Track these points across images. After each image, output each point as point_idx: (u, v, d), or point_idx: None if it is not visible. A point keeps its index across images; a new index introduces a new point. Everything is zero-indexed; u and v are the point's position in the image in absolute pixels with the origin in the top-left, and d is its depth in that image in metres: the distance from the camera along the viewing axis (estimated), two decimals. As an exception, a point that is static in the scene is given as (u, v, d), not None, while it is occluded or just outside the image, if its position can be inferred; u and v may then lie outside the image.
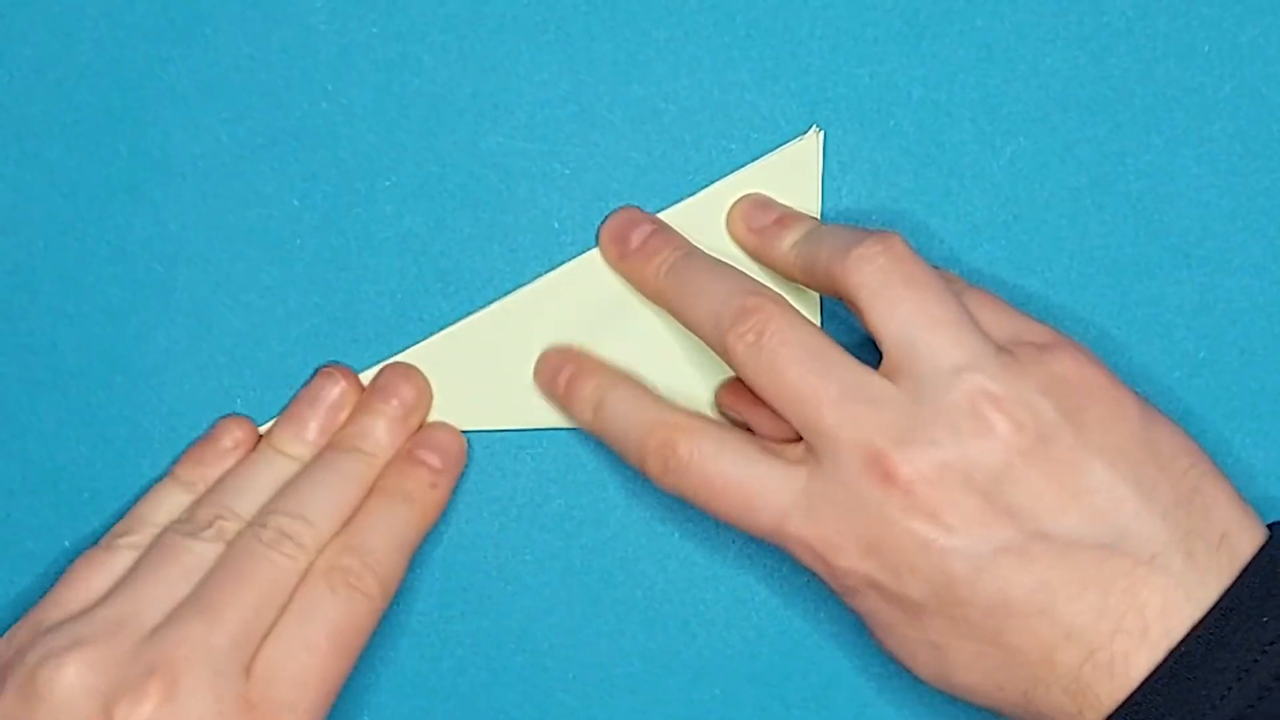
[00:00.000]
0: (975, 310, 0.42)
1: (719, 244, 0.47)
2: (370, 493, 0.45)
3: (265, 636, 0.42)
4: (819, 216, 0.47)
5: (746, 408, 0.45)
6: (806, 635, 0.48)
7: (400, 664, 0.48)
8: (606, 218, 0.47)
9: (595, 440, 0.46)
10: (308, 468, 0.45)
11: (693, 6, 0.47)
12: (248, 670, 0.41)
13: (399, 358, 0.47)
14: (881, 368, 0.41)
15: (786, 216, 0.46)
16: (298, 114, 0.47)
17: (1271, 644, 0.38)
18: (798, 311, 0.42)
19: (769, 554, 0.48)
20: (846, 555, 0.41)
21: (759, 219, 0.46)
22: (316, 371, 0.47)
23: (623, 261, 0.46)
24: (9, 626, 0.43)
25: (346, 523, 0.44)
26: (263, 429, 0.47)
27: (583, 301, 0.47)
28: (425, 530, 0.46)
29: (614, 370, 0.46)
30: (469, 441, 0.48)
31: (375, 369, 0.47)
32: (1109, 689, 0.38)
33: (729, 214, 0.47)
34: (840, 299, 0.43)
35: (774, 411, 0.42)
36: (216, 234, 0.47)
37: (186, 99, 0.47)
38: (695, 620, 0.48)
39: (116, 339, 0.47)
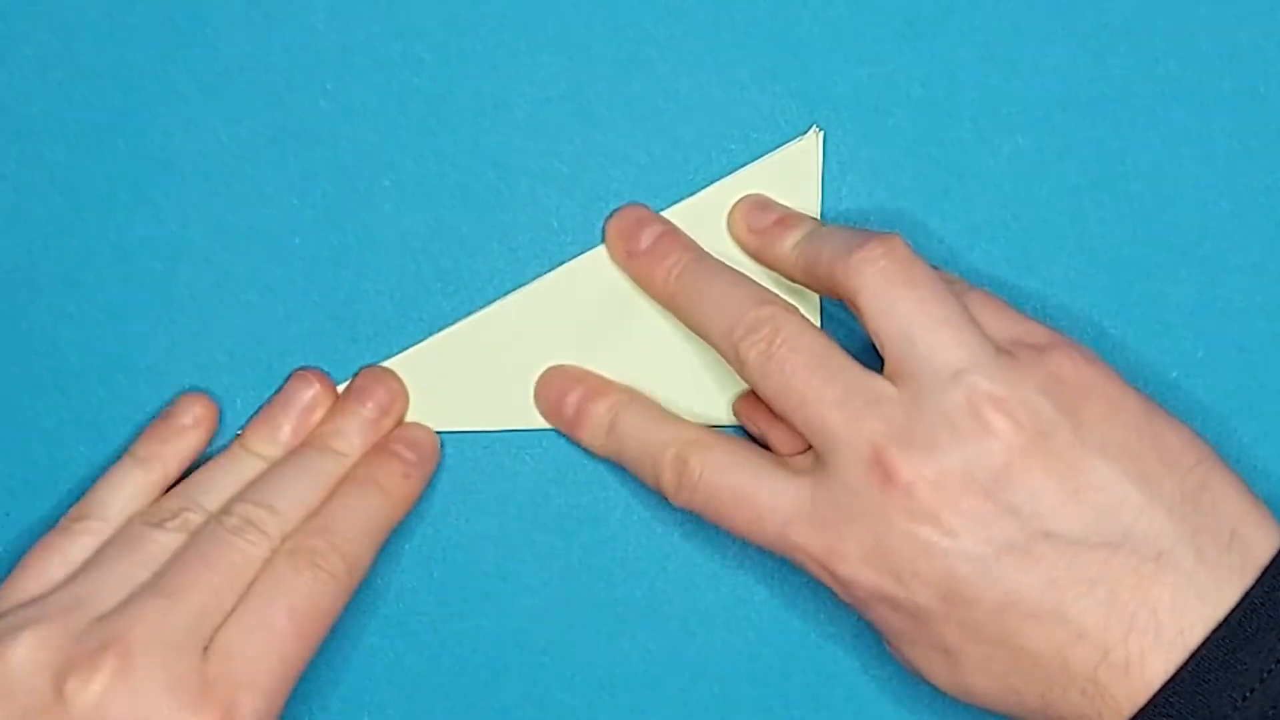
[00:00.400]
0: (976, 311, 0.42)
1: (719, 244, 0.47)
2: (342, 481, 0.45)
3: (225, 617, 0.41)
4: (819, 216, 0.47)
5: (763, 420, 0.45)
6: (806, 635, 0.48)
7: (400, 664, 0.48)
8: (613, 213, 0.47)
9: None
10: (278, 463, 0.46)
11: (692, 6, 0.47)
12: (206, 649, 0.41)
13: (399, 358, 0.47)
14: (884, 371, 0.41)
15: (787, 218, 0.46)
16: (298, 114, 0.47)
17: None
18: (806, 318, 0.42)
19: (768, 554, 0.48)
20: (851, 563, 0.41)
21: (759, 220, 0.46)
22: (289, 376, 0.47)
23: (631, 261, 0.46)
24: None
25: (315, 512, 0.44)
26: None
27: (583, 301, 0.47)
28: (396, 521, 0.46)
29: (623, 389, 0.46)
30: (469, 442, 0.48)
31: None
32: (1126, 691, 0.38)
33: (729, 215, 0.47)
34: (841, 300, 0.43)
35: (784, 421, 0.42)
36: (216, 234, 0.47)
37: (186, 99, 0.47)
38: (695, 620, 0.48)
39: (116, 339, 0.47)
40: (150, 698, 0.40)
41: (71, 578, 0.42)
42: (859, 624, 0.47)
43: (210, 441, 0.47)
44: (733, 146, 0.47)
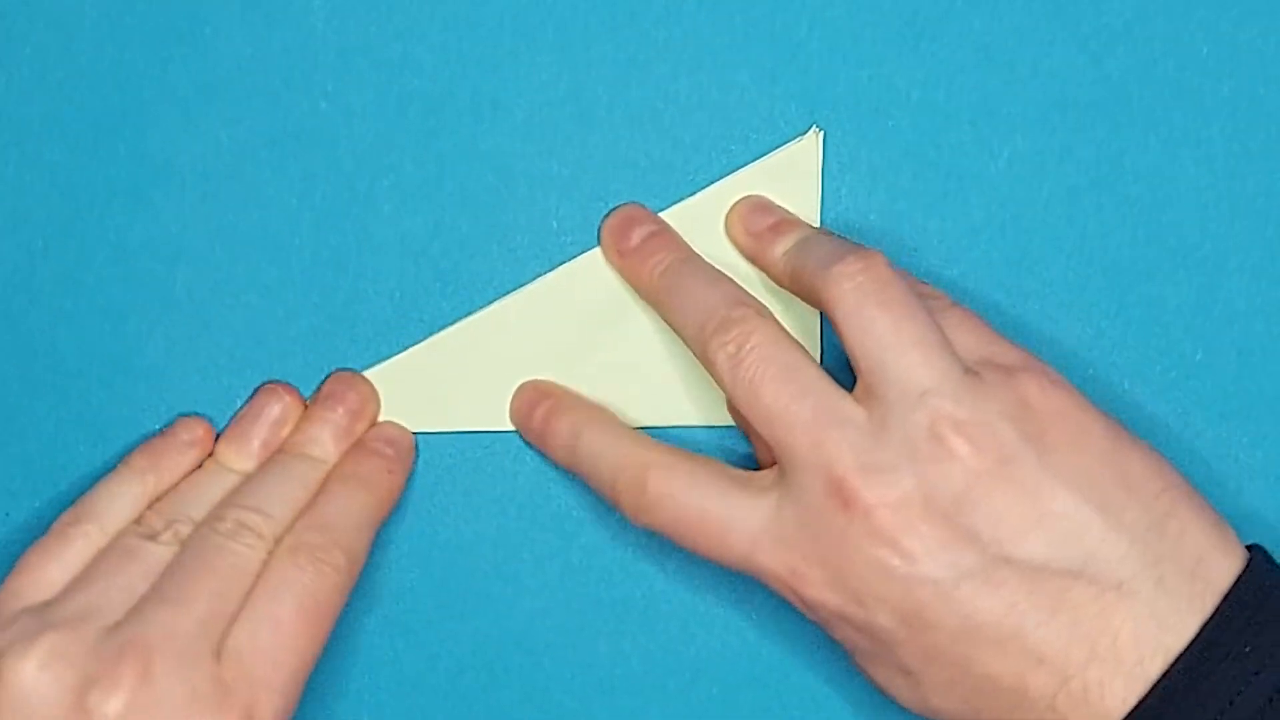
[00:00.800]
0: (951, 330, 0.41)
1: (718, 245, 0.46)
2: (328, 480, 0.45)
3: (232, 620, 0.41)
4: (819, 216, 0.47)
5: (747, 423, 0.45)
6: (806, 635, 0.48)
7: (400, 664, 0.48)
8: (609, 213, 0.47)
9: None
10: (260, 470, 0.46)
11: (693, 6, 0.47)
12: (218, 653, 0.41)
13: (399, 358, 0.47)
14: (855, 390, 0.41)
15: (783, 222, 0.45)
16: (298, 114, 0.47)
17: (1256, 674, 0.37)
18: (781, 327, 0.42)
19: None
20: (814, 585, 0.40)
21: (756, 223, 0.46)
22: (257, 389, 0.47)
23: (620, 259, 0.46)
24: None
25: (306, 511, 0.44)
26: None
27: (583, 301, 0.47)
28: (383, 516, 0.46)
29: (590, 406, 0.46)
30: (469, 442, 0.48)
31: (373, 370, 0.47)
32: (1085, 719, 0.38)
33: (728, 216, 0.47)
34: (823, 312, 0.43)
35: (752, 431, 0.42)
36: (216, 234, 0.47)
37: (186, 99, 0.47)
38: (695, 620, 0.48)
39: (116, 339, 0.47)
40: (173, 706, 0.40)
41: (72, 587, 0.42)
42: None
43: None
44: (733, 147, 0.47)
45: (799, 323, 0.46)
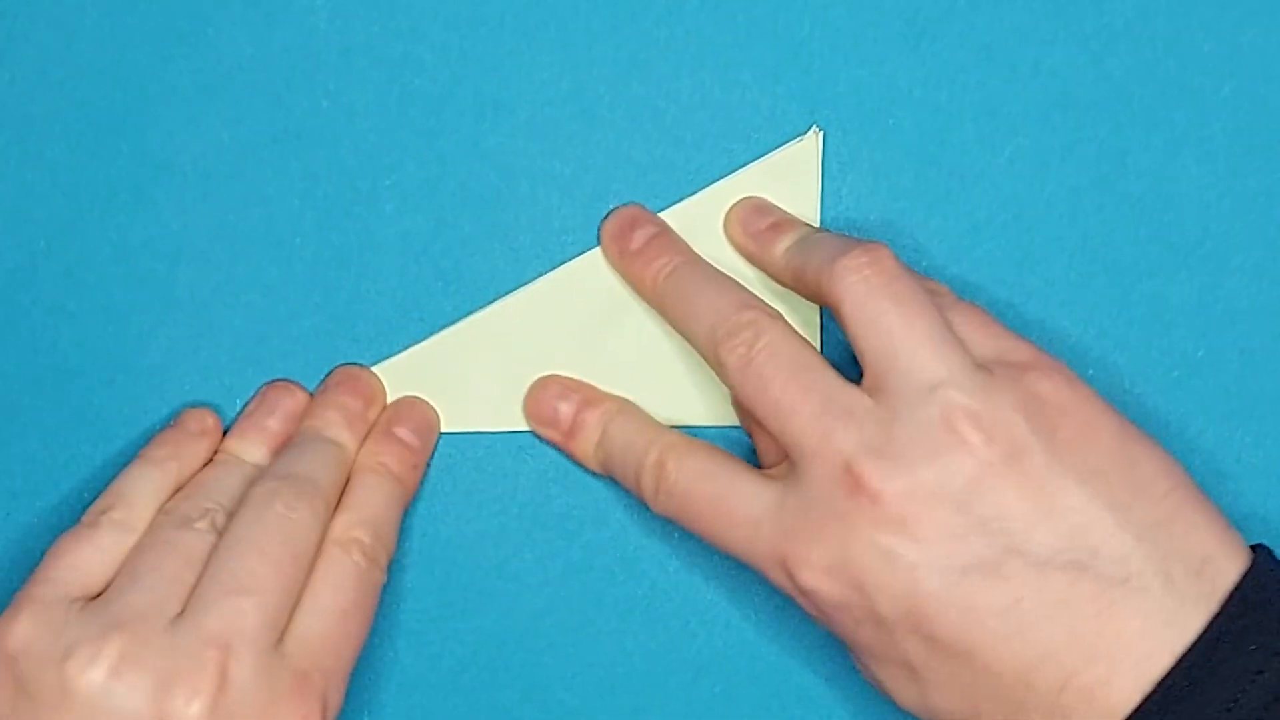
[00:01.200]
0: (959, 326, 0.41)
1: (718, 246, 0.47)
2: (359, 471, 0.45)
3: (294, 608, 0.41)
4: (819, 216, 0.47)
5: (753, 424, 0.45)
6: (806, 635, 0.48)
7: (400, 664, 0.48)
8: (609, 214, 0.47)
9: (595, 440, 0.46)
10: (288, 450, 0.45)
11: (693, 6, 0.47)
12: (282, 642, 0.41)
13: (400, 358, 0.47)
14: (863, 383, 0.41)
15: (782, 222, 0.46)
16: (298, 114, 0.47)
17: (1260, 673, 0.37)
18: (790, 326, 0.42)
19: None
20: (814, 571, 0.40)
21: (755, 223, 0.46)
22: (264, 386, 0.47)
23: (622, 261, 0.46)
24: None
25: (343, 496, 0.44)
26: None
27: (583, 301, 0.47)
28: (407, 504, 0.46)
29: (615, 398, 0.46)
30: (469, 442, 0.48)
31: (374, 369, 0.47)
32: (1089, 716, 0.38)
33: (727, 217, 0.47)
34: (827, 308, 0.43)
35: (761, 428, 0.42)
36: (216, 234, 0.47)
37: (186, 99, 0.47)
38: (695, 620, 0.48)
39: (118, 338, 0.47)
40: (257, 702, 0.39)
41: (119, 584, 0.41)
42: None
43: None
44: (733, 146, 0.47)
45: (799, 322, 0.46)
